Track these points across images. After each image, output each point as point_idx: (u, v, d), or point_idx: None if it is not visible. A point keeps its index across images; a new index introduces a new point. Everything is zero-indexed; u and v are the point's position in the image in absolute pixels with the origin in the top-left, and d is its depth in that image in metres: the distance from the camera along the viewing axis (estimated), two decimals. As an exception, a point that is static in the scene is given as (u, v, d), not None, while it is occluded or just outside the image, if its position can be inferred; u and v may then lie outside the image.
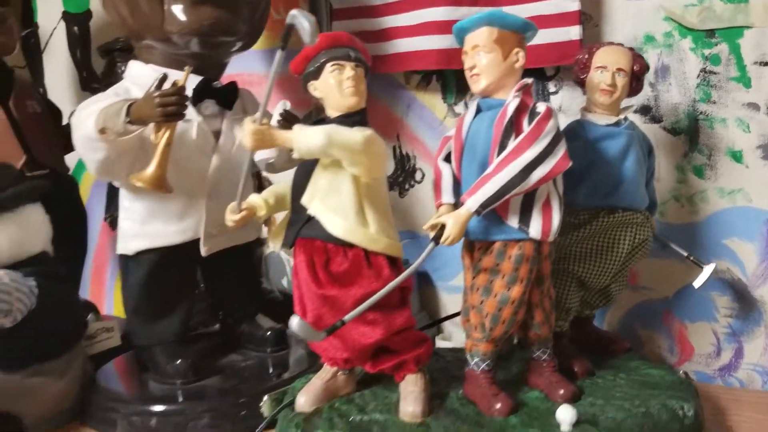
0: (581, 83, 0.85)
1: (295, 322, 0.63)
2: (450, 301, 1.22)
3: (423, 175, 1.20)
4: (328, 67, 0.73)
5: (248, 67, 1.24)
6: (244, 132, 0.69)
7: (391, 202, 1.15)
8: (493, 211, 0.72)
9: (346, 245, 0.72)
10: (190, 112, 0.89)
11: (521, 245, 0.73)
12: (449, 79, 1.15)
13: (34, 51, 1.55)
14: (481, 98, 0.76)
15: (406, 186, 1.22)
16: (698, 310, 1.03)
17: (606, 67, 0.82)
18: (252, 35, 0.97)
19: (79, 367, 0.95)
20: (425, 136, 1.19)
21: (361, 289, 0.71)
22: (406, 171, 1.22)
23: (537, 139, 0.68)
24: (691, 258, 0.92)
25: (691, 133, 0.99)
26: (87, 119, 0.81)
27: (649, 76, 0.97)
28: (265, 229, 1.11)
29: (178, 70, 0.89)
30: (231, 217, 0.77)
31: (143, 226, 0.92)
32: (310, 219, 0.73)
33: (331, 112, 0.75)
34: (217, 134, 0.94)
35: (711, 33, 0.95)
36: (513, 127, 0.70)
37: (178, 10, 0.87)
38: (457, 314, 1.05)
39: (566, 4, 0.96)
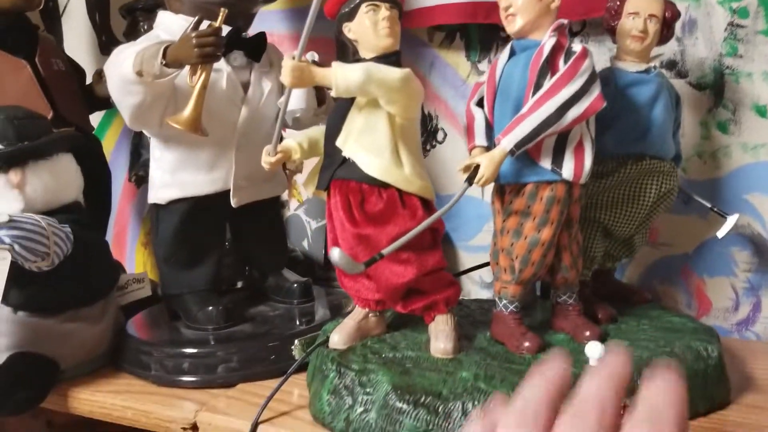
0: (611, 31, 0.85)
1: (336, 252, 0.65)
2: (469, 260, 1.23)
3: (445, 136, 1.21)
4: (363, 8, 0.74)
5: (269, 27, 1.25)
6: (283, 69, 0.71)
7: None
8: (525, 153, 0.73)
9: (380, 185, 0.73)
10: (220, 62, 0.90)
11: (553, 187, 0.74)
12: (473, 36, 1.15)
13: (52, 15, 1.56)
14: (515, 40, 0.76)
15: (428, 147, 1.23)
16: (717, 265, 1.04)
17: (638, 13, 0.82)
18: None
19: (113, 314, 0.97)
20: (448, 95, 1.19)
21: (396, 228, 0.72)
22: (428, 131, 1.22)
23: (573, 78, 0.69)
24: (715, 209, 0.93)
25: (716, 88, 1.00)
26: (124, 62, 0.82)
27: (676, 31, 0.97)
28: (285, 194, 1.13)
29: (211, 21, 0.90)
30: (267, 159, 0.78)
31: (174, 176, 0.94)
32: (345, 161, 0.74)
33: (366, 54, 0.76)
34: (245, 86, 0.93)
35: (739, -14, 0.96)
36: (549, 66, 0.71)
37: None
38: (476, 267, 1.07)
39: (594, -45, 0.96)
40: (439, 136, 1.22)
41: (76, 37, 1.54)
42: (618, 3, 0.83)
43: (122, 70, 0.82)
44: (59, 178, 0.92)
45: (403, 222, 0.73)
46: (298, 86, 0.73)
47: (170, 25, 0.92)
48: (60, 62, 1.15)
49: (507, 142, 0.70)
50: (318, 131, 0.80)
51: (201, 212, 0.95)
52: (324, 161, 0.78)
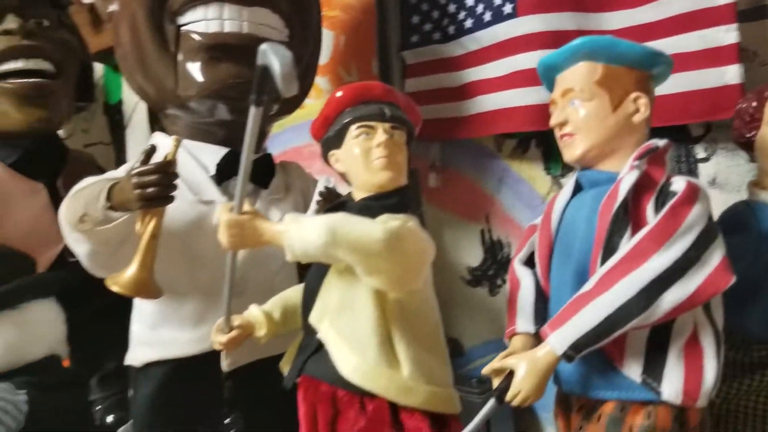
0: (746, 145, 0.55)
1: None
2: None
3: (520, 268, 0.93)
4: (353, 130, 0.52)
5: (300, 139, 1.09)
6: (219, 225, 0.50)
7: (480, 302, 0.86)
8: (600, 353, 0.44)
9: (364, 394, 0.47)
10: (213, 192, 0.73)
11: (650, 411, 0.44)
12: (553, 144, 0.88)
13: (118, 127, 1.54)
14: (580, 170, 0.50)
15: (498, 281, 0.95)
16: None
17: (789, 118, 0.52)
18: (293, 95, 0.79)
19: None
20: (522, 217, 0.92)
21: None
22: (498, 262, 0.95)
23: (671, 238, 0.41)
24: None
25: None
26: (64, 204, 0.66)
27: None
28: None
29: (208, 143, 0.75)
30: (218, 339, 0.56)
31: (154, 332, 0.75)
32: (320, 348, 0.50)
33: (357, 193, 0.53)
34: (247, 218, 0.75)
35: None
36: (628, 216, 0.43)
37: (193, 70, 0.73)
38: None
39: (719, 35, 0.67)
40: (513, 268, 0.94)
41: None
42: (754, 105, 0.54)
43: (61, 214, 0.66)
44: (28, 331, 0.76)
45: (393, 458, 0.46)
46: (238, 248, 0.51)
47: (160, 150, 0.77)
48: (90, 182, 1.05)
49: (558, 341, 0.42)
50: (299, 294, 0.57)
51: (186, 378, 0.74)
52: (302, 340, 0.54)
